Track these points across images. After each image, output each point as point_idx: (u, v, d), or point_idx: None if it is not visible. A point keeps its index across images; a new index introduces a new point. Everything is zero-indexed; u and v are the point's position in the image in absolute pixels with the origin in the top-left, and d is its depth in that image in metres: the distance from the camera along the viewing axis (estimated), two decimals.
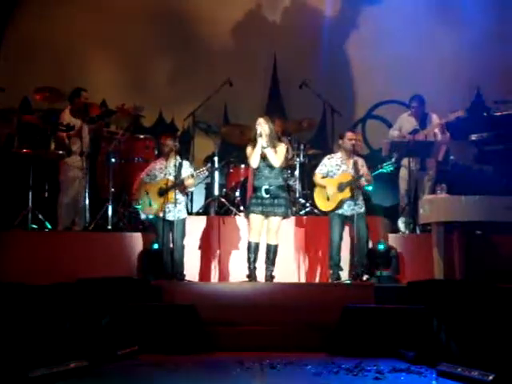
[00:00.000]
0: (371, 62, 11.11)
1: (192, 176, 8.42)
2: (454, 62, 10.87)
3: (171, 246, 8.34)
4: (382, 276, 8.42)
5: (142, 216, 8.70)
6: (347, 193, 8.22)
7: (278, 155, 7.98)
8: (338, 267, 8.29)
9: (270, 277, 8.00)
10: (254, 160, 8.00)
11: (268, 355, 6.26)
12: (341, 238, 8.33)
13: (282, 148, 8.05)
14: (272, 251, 8.01)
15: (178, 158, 8.50)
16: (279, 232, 8.06)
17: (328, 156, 8.64)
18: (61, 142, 9.20)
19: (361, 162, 8.44)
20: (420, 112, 9.42)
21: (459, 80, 10.73)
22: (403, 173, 9.33)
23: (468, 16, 10.94)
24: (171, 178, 8.34)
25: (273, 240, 8.02)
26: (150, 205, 8.41)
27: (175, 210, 8.30)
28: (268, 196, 7.95)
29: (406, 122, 9.50)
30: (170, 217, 8.33)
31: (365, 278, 8.20)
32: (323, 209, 8.47)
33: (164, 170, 8.44)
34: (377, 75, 11.03)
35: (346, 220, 8.33)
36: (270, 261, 8.02)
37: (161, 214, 8.30)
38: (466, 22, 10.96)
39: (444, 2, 11.14)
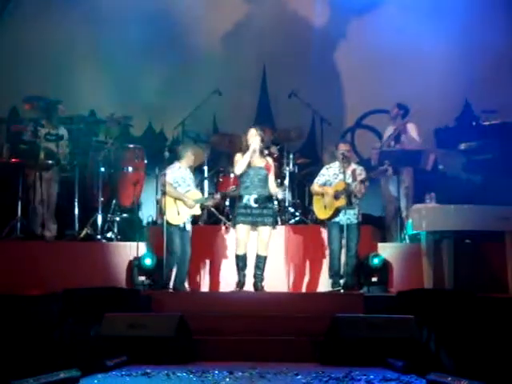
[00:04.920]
0: (360, 71, 11.14)
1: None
2: (442, 72, 10.90)
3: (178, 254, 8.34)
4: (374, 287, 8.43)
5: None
6: (342, 201, 8.20)
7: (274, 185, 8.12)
8: (338, 276, 8.25)
9: (260, 287, 8.00)
10: (240, 167, 8.01)
11: (258, 365, 6.23)
12: (341, 247, 8.28)
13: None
14: (262, 262, 8.01)
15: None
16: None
17: (326, 166, 8.63)
18: (50, 151, 9.17)
19: (359, 170, 8.38)
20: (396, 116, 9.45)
21: (448, 90, 10.75)
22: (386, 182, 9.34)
23: (457, 26, 11.00)
24: (196, 191, 8.61)
25: (263, 251, 8.02)
26: (178, 214, 8.39)
27: (188, 221, 8.44)
28: (257, 205, 7.96)
29: (389, 132, 9.54)
30: (188, 227, 8.42)
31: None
32: (321, 217, 8.45)
33: (190, 181, 8.58)
34: (366, 85, 11.06)
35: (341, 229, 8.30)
36: (261, 271, 8.02)
37: (181, 225, 8.35)
38: (456, 32, 11.02)
39: (433, 11, 11.18)
